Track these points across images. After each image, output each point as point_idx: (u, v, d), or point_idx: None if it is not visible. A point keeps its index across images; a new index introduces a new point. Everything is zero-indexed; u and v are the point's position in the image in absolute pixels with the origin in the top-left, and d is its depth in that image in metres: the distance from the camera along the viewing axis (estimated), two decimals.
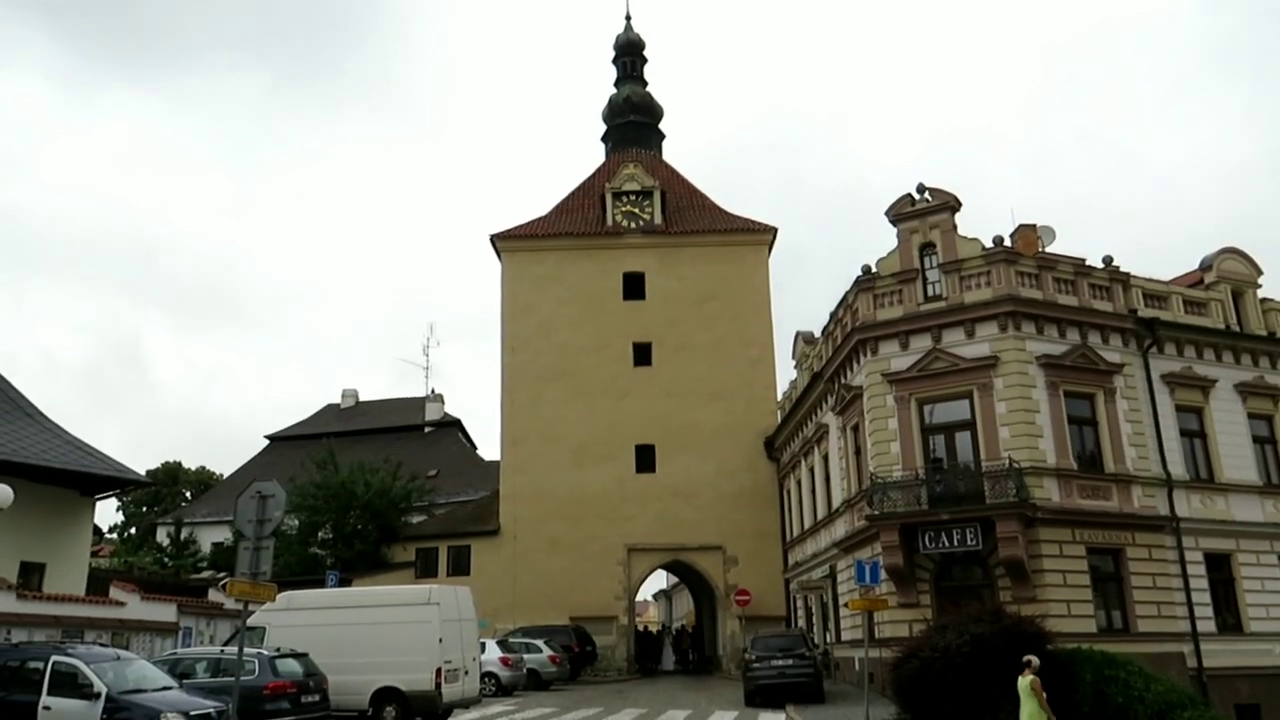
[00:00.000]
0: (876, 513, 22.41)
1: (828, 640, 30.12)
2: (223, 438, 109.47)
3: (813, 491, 31.99)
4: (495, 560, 36.89)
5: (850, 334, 25.22)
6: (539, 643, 30.85)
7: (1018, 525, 20.90)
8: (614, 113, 45.99)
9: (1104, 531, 22.03)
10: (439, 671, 18.23)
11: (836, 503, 28.48)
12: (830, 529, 29.33)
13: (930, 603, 21.98)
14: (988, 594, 21.12)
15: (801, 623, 33.41)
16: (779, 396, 38.39)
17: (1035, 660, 14.27)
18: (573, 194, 43.52)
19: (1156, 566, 22.27)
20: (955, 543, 21.53)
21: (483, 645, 23.79)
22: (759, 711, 21.90)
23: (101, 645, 17.49)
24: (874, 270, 24.83)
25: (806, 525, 32.94)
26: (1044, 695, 13.91)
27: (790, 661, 23.50)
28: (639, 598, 43.48)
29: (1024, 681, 14.04)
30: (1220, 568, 23.21)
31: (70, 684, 14.02)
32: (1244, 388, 25.10)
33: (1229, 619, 22.91)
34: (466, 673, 19.40)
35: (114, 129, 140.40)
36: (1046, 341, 22.97)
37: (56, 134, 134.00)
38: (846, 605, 25.62)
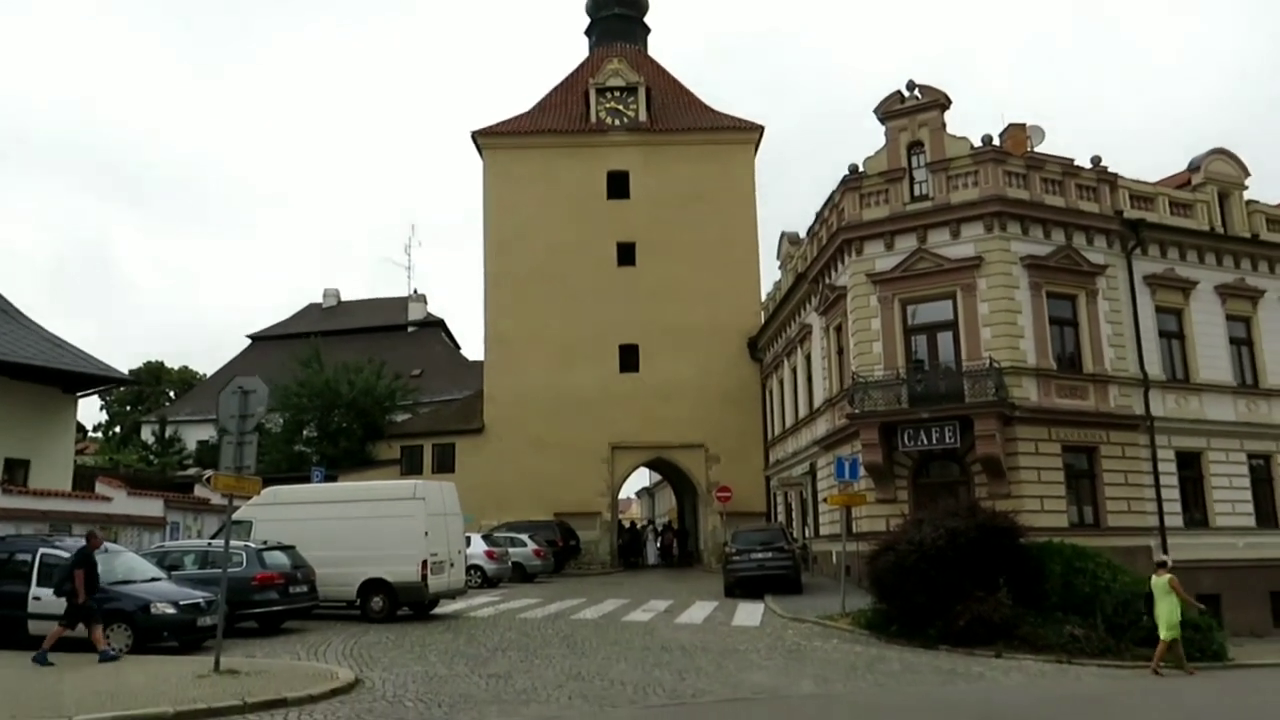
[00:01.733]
0: (857, 411, 22.61)
1: (806, 535, 30.74)
2: (204, 338, 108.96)
3: (795, 391, 32.18)
4: (480, 458, 37.20)
5: (835, 234, 25.04)
6: (524, 537, 31.28)
7: (996, 424, 21.17)
8: (597, 4, 44.54)
9: (1080, 430, 22.39)
10: (425, 564, 18.52)
11: (818, 402, 28.71)
12: (811, 427, 29.64)
13: (907, 498, 22.38)
14: (964, 490, 21.49)
15: (781, 518, 34.02)
16: (763, 297, 38.30)
17: (1169, 559, 15.13)
18: (555, 90, 42.40)
19: (1129, 464, 22.70)
20: (934, 441, 21.84)
21: (468, 539, 24.11)
22: (738, 602, 22.43)
23: None
24: (861, 170, 24.54)
25: (788, 424, 33.26)
26: (1182, 589, 14.64)
27: (770, 555, 23.95)
28: (622, 495, 44.13)
29: (1161, 580, 14.72)
30: (1190, 465, 23.71)
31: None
32: (1224, 290, 25.20)
33: (1196, 514, 23.50)
34: (452, 565, 19.71)
35: (65, 15, 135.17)
36: (1031, 242, 22.89)
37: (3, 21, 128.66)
38: (825, 501, 26.05)
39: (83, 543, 13.86)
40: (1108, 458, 22.49)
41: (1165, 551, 21.91)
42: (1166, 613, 14.45)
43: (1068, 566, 16.37)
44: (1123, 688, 12.89)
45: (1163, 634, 14.43)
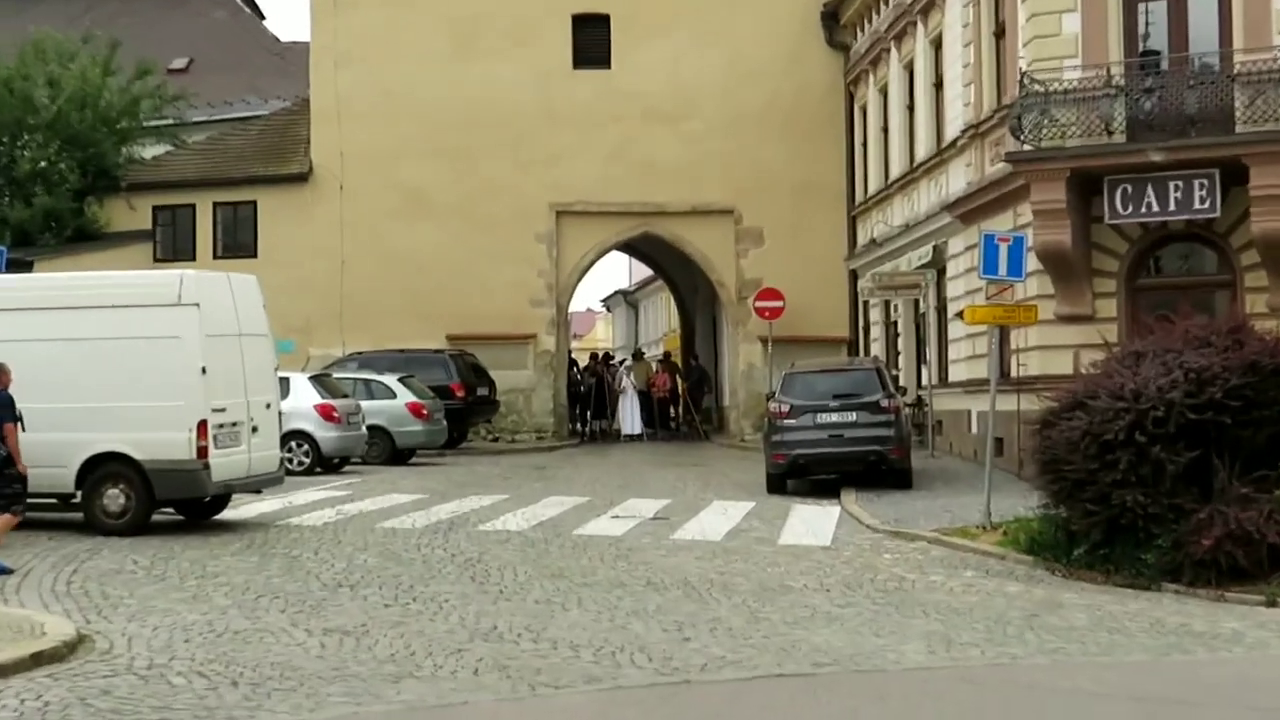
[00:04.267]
0: (1028, 148, 22.55)
1: (922, 382, 31.35)
2: None
3: (908, 108, 32.28)
4: (305, 230, 37.41)
5: None
6: (389, 380, 31.58)
7: None
8: None
9: None
10: (203, 428, 18.66)
11: (953, 132, 28.72)
12: (936, 179, 29.91)
13: (1117, 313, 22.74)
14: (1223, 300, 21.63)
15: (876, 350, 34.52)
16: None
17: None
18: None
19: None
20: (1170, 206, 21.97)
21: (284, 383, 24.27)
22: (792, 502, 22.93)
23: None
24: None
25: (893, 175, 33.43)
26: None
27: (853, 416, 24.28)
28: (577, 304, 44.28)
29: None
30: None
31: None
32: None
33: None
34: (255, 430, 19.82)
35: None
36: None
37: None
38: (960, 318, 26.17)
39: None
40: None
41: None
42: None
43: None
44: None
45: None
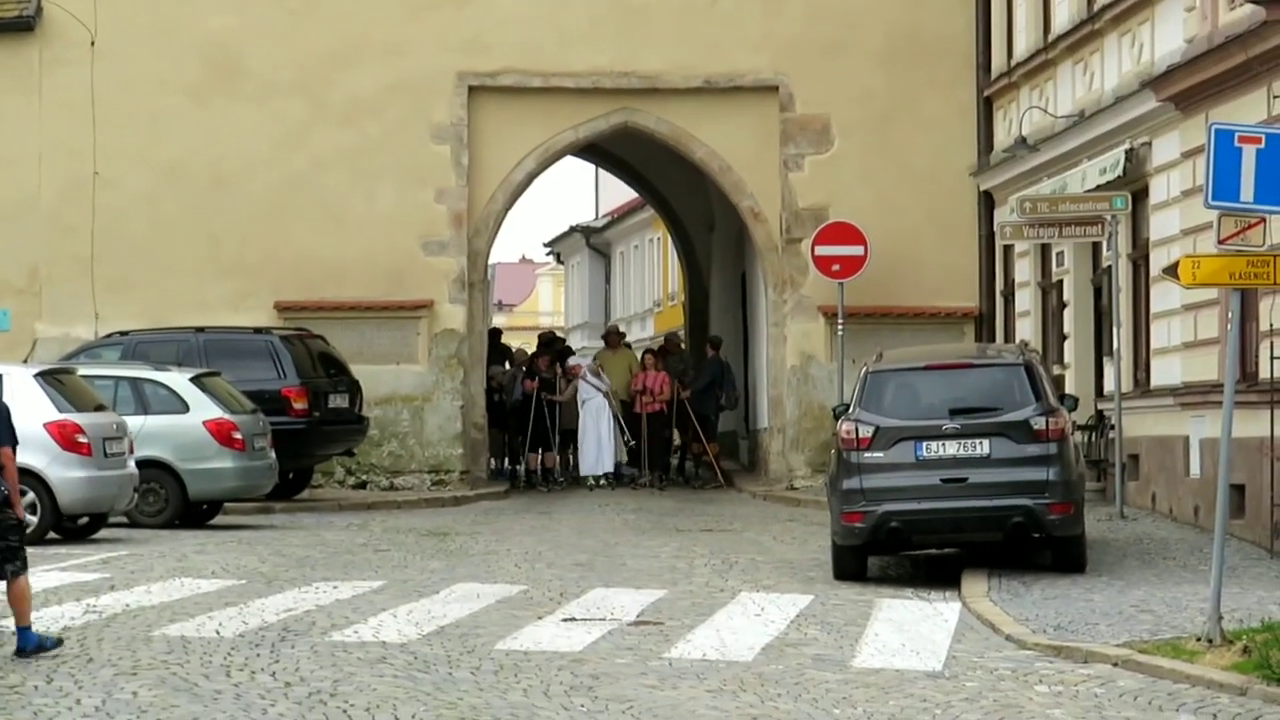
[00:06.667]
0: None
1: (1105, 387, 31.52)
2: None
3: None
4: (28, 117, 37.89)
5: None
6: (176, 381, 31.88)
7: None
8: None
9: None
10: None
11: None
12: (1132, 35, 31.19)
13: None
14: None
15: (1025, 333, 34.60)
16: None
17: None
18: None
19: None
20: None
21: None
22: (875, 595, 22.80)
23: None
24: None
25: (1058, 27, 33.73)
26: None
27: (985, 448, 24.47)
28: (504, 253, 44.19)
29: None
30: None
31: None
32: None
33: None
34: None
35: None
36: None
37: None
38: (1172, 275, 25.34)
39: None
40: None
41: None
42: None
43: None
44: None
45: None
